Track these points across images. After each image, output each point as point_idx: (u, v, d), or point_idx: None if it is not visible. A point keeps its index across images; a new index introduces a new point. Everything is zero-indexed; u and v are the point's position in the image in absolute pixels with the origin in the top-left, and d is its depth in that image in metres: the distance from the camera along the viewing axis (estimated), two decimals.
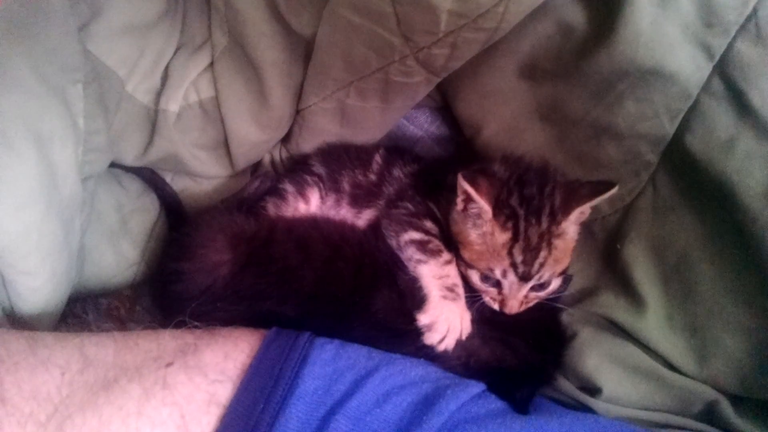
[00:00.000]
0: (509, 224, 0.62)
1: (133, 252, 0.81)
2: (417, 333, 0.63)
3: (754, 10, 0.54)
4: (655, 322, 0.66)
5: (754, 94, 0.56)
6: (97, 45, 0.68)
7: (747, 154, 0.57)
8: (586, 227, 0.73)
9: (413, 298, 0.65)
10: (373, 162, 0.80)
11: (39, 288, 0.60)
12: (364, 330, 0.63)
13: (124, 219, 0.81)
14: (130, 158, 0.79)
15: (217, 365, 0.52)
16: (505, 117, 0.76)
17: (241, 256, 0.68)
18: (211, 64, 0.77)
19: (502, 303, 0.65)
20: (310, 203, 0.79)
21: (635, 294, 0.67)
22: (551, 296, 0.67)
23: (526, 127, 0.74)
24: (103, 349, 0.52)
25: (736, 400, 0.63)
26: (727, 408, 0.62)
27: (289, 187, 0.79)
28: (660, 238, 0.66)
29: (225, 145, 0.81)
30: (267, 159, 0.90)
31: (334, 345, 0.55)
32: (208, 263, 0.68)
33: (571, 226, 0.64)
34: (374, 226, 0.74)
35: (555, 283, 0.66)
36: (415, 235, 0.68)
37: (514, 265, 0.62)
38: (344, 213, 0.79)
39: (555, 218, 0.62)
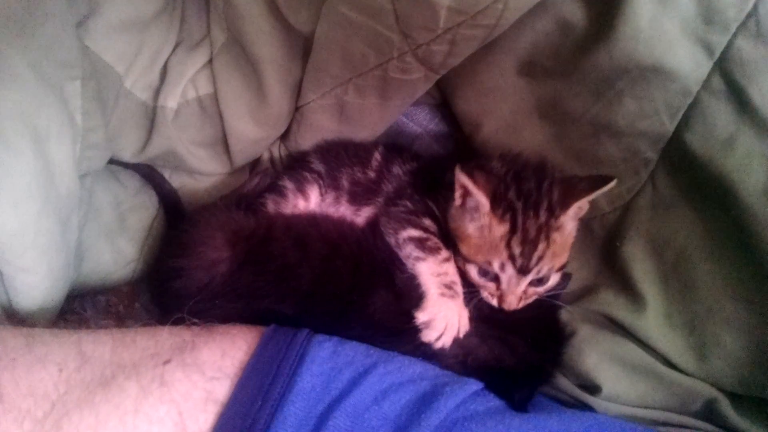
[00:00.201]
0: (507, 216, 0.62)
1: (132, 249, 0.81)
2: (414, 331, 0.63)
3: (755, 7, 0.53)
4: (654, 320, 0.66)
5: (754, 91, 0.56)
6: (95, 41, 0.68)
7: (747, 152, 0.57)
8: (585, 225, 0.73)
9: (411, 296, 0.65)
10: (372, 159, 0.80)
11: (36, 285, 0.60)
12: (361, 328, 0.62)
13: (122, 216, 0.81)
14: (128, 155, 0.79)
15: (214, 363, 0.52)
16: (504, 114, 0.76)
17: (239, 253, 0.68)
18: (210, 60, 0.77)
19: (500, 298, 0.64)
20: (310, 200, 0.79)
21: (635, 292, 0.67)
22: (550, 293, 0.67)
23: (525, 125, 0.74)
24: (100, 346, 0.52)
25: (735, 398, 0.63)
26: (726, 406, 0.62)
27: (288, 184, 0.79)
28: (659, 236, 0.66)
29: (223, 142, 0.81)
30: (266, 156, 0.90)
31: (332, 342, 0.55)
32: (206, 260, 0.68)
33: (569, 221, 0.64)
34: (373, 224, 0.74)
35: (553, 279, 0.66)
36: (414, 233, 0.68)
37: (512, 258, 0.62)
38: (343, 210, 0.79)
39: (553, 212, 0.62)
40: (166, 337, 0.54)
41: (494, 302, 0.65)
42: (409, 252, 0.67)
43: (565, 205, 0.62)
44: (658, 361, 0.65)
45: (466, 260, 0.65)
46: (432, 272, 0.65)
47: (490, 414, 0.53)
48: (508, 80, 0.73)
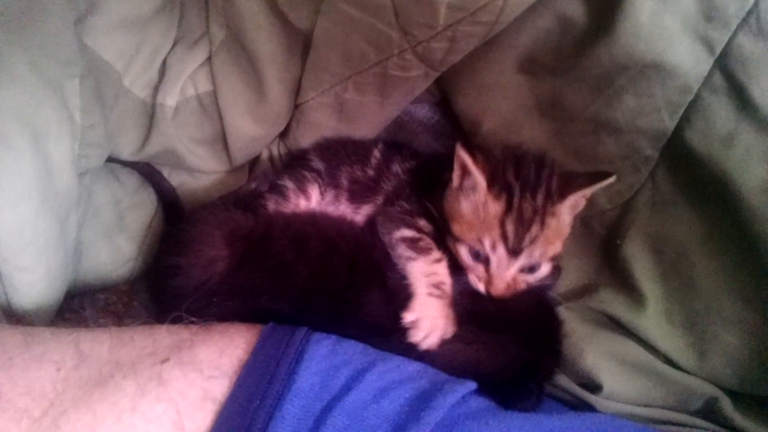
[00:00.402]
0: (503, 195, 0.61)
1: (130, 247, 0.81)
2: (404, 332, 0.62)
3: (756, 4, 0.53)
4: (654, 318, 0.65)
5: (754, 88, 0.55)
6: (95, 39, 0.68)
7: (747, 150, 0.57)
8: (585, 223, 0.72)
9: (401, 297, 0.64)
10: (371, 157, 0.80)
11: (35, 283, 0.60)
12: (356, 327, 0.62)
13: (121, 214, 0.81)
14: (127, 153, 0.79)
15: (212, 361, 0.52)
16: (504, 112, 0.75)
17: (237, 252, 0.68)
18: (209, 58, 0.77)
19: (488, 282, 0.63)
20: (311, 199, 0.79)
21: (634, 290, 0.67)
22: (541, 284, 0.66)
23: (525, 122, 0.74)
24: (98, 344, 0.52)
25: (735, 397, 0.62)
26: (726, 404, 0.62)
27: (289, 184, 0.79)
28: (659, 234, 0.66)
29: (222, 140, 0.81)
30: (265, 155, 0.90)
31: (330, 340, 0.55)
32: (204, 259, 0.67)
33: (565, 212, 0.64)
34: (372, 223, 0.74)
35: (545, 269, 0.65)
36: (407, 233, 0.67)
37: (504, 237, 0.61)
38: (343, 209, 0.79)
39: (551, 198, 0.62)
40: (164, 335, 0.54)
41: (481, 287, 0.64)
42: (400, 252, 0.67)
43: (562, 195, 0.62)
44: (658, 359, 0.65)
45: (458, 240, 0.64)
46: (422, 272, 0.65)
47: (490, 411, 0.53)
48: (508, 77, 0.73)
